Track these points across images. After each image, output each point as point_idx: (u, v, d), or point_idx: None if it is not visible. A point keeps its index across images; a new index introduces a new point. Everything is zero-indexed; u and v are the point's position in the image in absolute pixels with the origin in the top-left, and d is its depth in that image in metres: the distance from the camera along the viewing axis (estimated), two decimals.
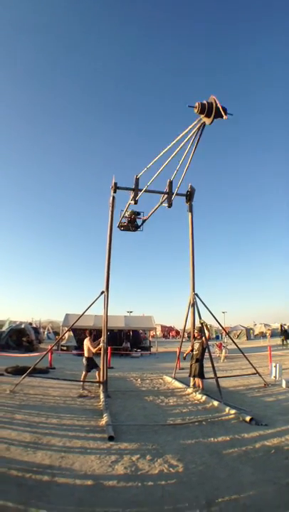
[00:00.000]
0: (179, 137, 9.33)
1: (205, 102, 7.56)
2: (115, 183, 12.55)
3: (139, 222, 15.08)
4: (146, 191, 12.86)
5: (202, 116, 7.69)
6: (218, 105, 7.29)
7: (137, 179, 12.50)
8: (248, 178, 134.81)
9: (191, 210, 13.38)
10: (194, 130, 8.65)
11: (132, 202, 12.77)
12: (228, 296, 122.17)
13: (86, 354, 11.51)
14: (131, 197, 12.83)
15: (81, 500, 4.13)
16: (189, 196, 13.40)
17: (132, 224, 14.91)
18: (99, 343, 11.53)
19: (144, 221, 14.95)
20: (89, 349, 11.47)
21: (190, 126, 8.68)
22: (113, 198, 12.82)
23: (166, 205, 12.96)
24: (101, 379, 10.86)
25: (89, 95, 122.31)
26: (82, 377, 11.35)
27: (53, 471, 4.87)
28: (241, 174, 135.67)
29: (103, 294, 11.83)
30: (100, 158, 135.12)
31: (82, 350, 11.64)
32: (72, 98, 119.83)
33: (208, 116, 7.59)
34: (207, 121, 7.70)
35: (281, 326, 37.66)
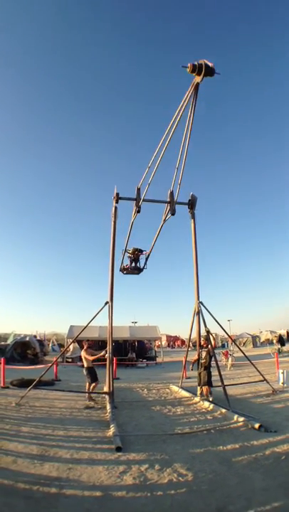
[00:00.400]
0: (176, 115, 9.36)
1: (196, 62, 7.86)
2: (117, 194, 12.59)
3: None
4: (148, 201, 12.90)
5: (194, 74, 7.94)
6: (208, 63, 7.73)
7: (139, 189, 12.51)
8: (250, 183, 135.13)
9: (193, 218, 13.40)
10: (189, 92, 8.62)
11: (135, 208, 12.75)
12: (233, 304, 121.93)
13: (85, 364, 11.42)
14: (134, 208, 12.85)
15: (89, 510, 4.08)
16: (191, 204, 13.43)
17: (135, 264, 14.84)
18: (101, 352, 11.63)
19: (147, 257, 14.91)
20: (87, 359, 11.35)
21: (186, 94, 8.73)
22: (115, 208, 12.85)
23: (169, 215, 12.98)
24: (91, 389, 11.00)
25: (86, 101, 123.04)
26: (86, 388, 11.27)
27: (60, 483, 4.81)
28: (243, 179, 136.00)
29: (107, 305, 11.82)
30: (106, 171, 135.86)
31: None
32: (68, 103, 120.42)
33: (198, 74, 7.87)
34: (198, 78, 7.98)
35: (280, 335, 37.17)
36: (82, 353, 11.53)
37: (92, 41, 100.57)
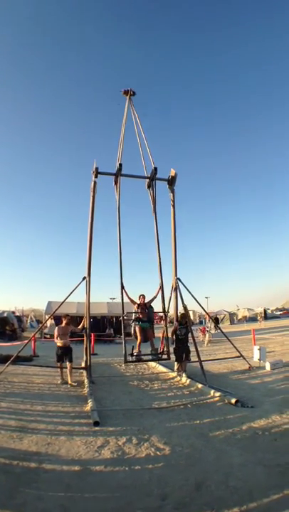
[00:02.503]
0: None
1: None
2: (96, 168, 12.17)
3: None
4: (127, 176, 12.63)
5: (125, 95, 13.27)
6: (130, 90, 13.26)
7: (120, 165, 12.22)
8: (235, 159, 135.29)
9: (173, 194, 13.16)
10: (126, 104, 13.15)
11: (115, 185, 12.46)
12: (211, 282, 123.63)
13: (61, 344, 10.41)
14: (113, 182, 12.55)
15: (69, 485, 4.07)
16: (171, 181, 13.14)
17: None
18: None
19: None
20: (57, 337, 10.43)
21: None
22: (94, 183, 12.45)
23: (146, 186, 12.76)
24: (70, 380, 10.09)
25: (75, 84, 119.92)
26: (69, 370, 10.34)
27: (40, 458, 4.80)
28: (227, 156, 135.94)
29: (85, 280, 11.69)
30: (80, 144, 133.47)
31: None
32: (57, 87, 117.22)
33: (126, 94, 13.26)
34: (126, 96, 13.25)
35: (216, 317, 39.41)
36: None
37: None
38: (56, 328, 10.71)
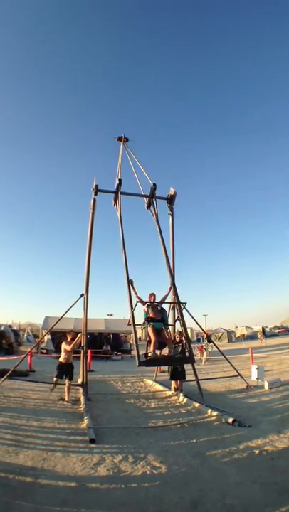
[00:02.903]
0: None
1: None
2: (96, 185, 12.31)
3: None
4: (127, 194, 12.76)
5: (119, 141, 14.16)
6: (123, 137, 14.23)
7: (120, 181, 12.36)
8: (229, 187, 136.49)
9: (172, 213, 13.29)
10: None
11: (114, 205, 12.61)
12: (209, 299, 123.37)
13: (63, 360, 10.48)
14: (113, 201, 12.70)
15: (65, 500, 4.06)
16: (170, 199, 13.28)
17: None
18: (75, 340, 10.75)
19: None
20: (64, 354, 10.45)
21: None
22: (94, 200, 12.60)
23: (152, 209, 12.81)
24: (67, 397, 10.01)
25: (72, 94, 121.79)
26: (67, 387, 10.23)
27: (35, 473, 4.79)
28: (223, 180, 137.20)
29: (83, 297, 11.71)
30: (80, 160, 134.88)
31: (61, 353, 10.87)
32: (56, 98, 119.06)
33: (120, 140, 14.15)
34: (120, 143, 14.09)
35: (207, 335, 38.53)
36: (64, 347, 10.64)
37: None
38: (64, 343, 10.69)
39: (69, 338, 10.71)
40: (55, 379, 10.37)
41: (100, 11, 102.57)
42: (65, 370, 10.25)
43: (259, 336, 42.49)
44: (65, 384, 10.22)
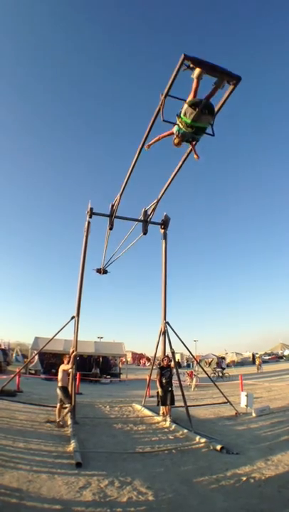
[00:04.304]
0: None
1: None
2: (91, 208, 12.45)
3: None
4: (121, 218, 12.94)
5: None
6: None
7: (113, 205, 12.55)
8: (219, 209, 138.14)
9: (165, 238, 13.44)
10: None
11: (109, 227, 12.83)
12: (200, 325, 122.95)
13: (62, 383, 10.09)
14: (108, 224, 12.88)
15: None
16: (164, 224, 13.47)
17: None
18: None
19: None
20: (63, 377, 10.17)
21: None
22: (88, 223, 12.72)
23: (142, 233, 13.05)
24: (58, 417, 9.79)
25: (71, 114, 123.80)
26: (58, 408, 10.04)
27: (21, 494, 4.73)
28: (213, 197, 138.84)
29: (74, 319, 11.67)
30: (71, 180, 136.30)
31: (51, 374, 10.87)
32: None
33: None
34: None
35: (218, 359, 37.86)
36: (62, 367, 10.41)
37: None
38: (62, 366, 10.52)
39: (65, 362, 10.56)
40: (68, 405, 9.96)
41: None
42: (64, 393, 10.03)
43: (257, 362, 39.44)
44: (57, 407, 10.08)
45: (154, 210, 12.73)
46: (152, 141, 7.58)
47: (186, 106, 6.26)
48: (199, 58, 5.62)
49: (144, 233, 12.97)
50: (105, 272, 14.66)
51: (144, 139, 7.92)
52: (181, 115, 6.40)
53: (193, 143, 7.18)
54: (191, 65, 5.70)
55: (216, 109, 6.56)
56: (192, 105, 6.15)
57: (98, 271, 14.57)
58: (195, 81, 5.92)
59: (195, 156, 7.40)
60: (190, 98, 6.16)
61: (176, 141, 6.94)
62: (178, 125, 6.61)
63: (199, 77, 5.85)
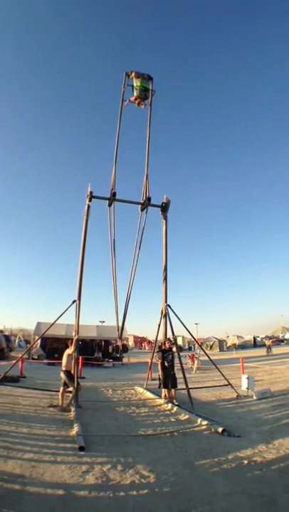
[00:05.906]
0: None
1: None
2: (91, 192, 12.30)
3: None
4: (121, 201, 12.86)
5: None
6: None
7: (112, 189, 12.55)
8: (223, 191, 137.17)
9: (165, 220, 13.37)
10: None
11: (108, 207, 12.88)
12: (201, 308, 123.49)
13: (66, 367, 10.30)
14: (107, 205, 12.86)
15: (53, 509, 4.04)
16: (164, 207, 13.37)
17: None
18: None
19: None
20: (67, 361, 10.33)
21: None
22: (88, 207, 12.56)
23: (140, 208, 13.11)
24: (60, 402, 9.92)
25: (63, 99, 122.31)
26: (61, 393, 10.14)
27: (24, 481, 4.76)
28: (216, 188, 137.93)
29: (75, 303, 11.67)
30: (74, 164, 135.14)
31: (53, 359, 10.97)
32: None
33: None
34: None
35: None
36: (68, 352, 10.55)
37: None
38: (66, 350, 10.66)
39: (70, 346, 10.68)
40: (71, 388, 10.16)
41: None
42: (69, 377, 10.18)
43: (267, 344, 38.51)
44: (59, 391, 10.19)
45: (146, 187, 13.02)
46: (127, 101, 13.08)
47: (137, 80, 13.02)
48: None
49: (142, 210, 13.23)
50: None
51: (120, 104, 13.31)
52: (134, 84, 12.97)
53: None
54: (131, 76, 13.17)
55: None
56: (139, 76, 13.03)
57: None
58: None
59: (143, 107, 13.21)
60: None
61: (137, 101, 12.98)
62: (135, 89, 12.95)
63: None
